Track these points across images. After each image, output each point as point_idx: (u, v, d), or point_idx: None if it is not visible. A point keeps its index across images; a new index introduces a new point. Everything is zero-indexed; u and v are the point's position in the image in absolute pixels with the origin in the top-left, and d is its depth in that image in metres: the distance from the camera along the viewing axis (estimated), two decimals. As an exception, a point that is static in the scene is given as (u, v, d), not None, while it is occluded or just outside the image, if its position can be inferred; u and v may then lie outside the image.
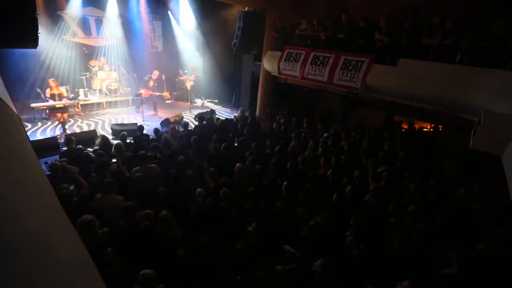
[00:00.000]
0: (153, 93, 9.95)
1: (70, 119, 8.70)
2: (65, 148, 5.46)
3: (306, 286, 2.59)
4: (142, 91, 9.49)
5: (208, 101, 12.27)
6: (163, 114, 9.70)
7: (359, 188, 4.23)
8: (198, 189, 3.70)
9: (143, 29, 11.61)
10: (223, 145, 5.39)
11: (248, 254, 2.84)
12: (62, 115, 7.69)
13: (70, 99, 8.92)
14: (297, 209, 3.65)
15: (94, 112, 9.88)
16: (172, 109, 10.87)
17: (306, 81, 7.86)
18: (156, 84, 10.23)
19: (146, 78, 9.99)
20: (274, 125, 7.66)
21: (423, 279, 2.52)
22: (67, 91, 8.83)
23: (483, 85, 4.64)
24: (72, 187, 3.71)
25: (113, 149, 5.28)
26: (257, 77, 9.68)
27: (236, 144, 6.04)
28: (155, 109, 10.16)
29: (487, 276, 2.56)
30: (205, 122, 7.12)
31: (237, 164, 4.54)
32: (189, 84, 11.16)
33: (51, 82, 8.08)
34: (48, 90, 8.01)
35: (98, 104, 10.30)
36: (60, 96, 8.11)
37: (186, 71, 12.05)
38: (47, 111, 8.10)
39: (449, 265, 2.65)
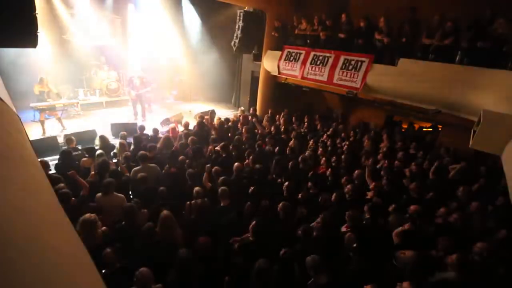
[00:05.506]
0: (142, 90, 9.20)
1: (68, 118, 8.69)
2: (65, 148, 5.46)
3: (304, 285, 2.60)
4: (133, 92, 9.10)
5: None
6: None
7: (359, 188, 4.23)
8: (196, 188, 3.69)
9: (143, 28, 11.60)
10: (221, 144, 5.39)
11: (246, 253, 2.84)
12: (53, 113, 7.69)
13: (70, 98, 8.92)
14: (297, 209, 3.65)
15: (94, 111, 9.87)
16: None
17: (306, 81, 7.86)
18: (145, 80, 9.40)
19: (129, 78, 9.53)
20: (273, 126, 7.65)
21: (423, 280, 2.51)
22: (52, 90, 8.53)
23: (483, 85, 4.64)
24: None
25: (116, 148, 5.29)
26: (257, 76, 9.67)
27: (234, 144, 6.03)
28: (143, 114, 9.34)
29: (485, 280, 2.55)
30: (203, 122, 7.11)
31: (236, 164, 4.54)
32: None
33: (44, 79, 7.86)
34: (37, 86, 7.74)
35: (98, 103, 10.29)
36: (49, 94, 7.97)
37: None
38: (47, 111, 8.08)
39: (445, 268, 2.65)
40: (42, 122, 7.62)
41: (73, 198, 3.45)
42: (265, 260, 2.50)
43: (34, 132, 7.47)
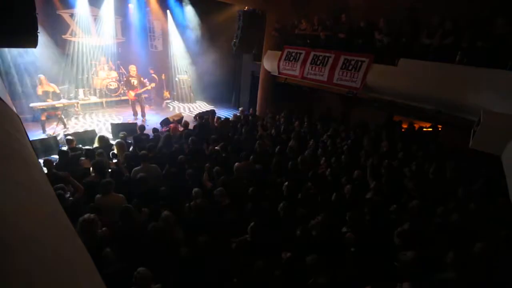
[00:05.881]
0: (140, 90, 9.19)
1: (67, 118, 8.69)
2: (64, 148, 5.46)
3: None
4: (132, 93, 9.10)
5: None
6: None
7: (358, 188, 4.23)
8: (195, 189, 3.69)
9: (142, 28, 11.60)
10: (220, 144, 5.38)
11: (245, 253, 2.84)
12: (57, 113, 7.68)
13: (70, 98, 8.91)
14: (297, 209, 3.65)
15: (94, 111, 9.87)
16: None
17: (306, 81, 7.86)
18: (144, 79, 9.39)
19: (125, 78, 9.48)
20: (274, 126, 7.66)
21: (423, 281, 2.51)
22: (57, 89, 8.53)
23: (483, 85, 4.64)
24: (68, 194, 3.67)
25: (114, 148, 5.29)
26: (257, 76, 9.67)
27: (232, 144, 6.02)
28: (142, 113, 9.32)
29: (485, 280, 2.55)
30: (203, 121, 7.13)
31: (236, 164, 4.53)
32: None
33: (42, 78, 7.78)
34: (39, 87, 7.74)
35: (98, 103, 10.29)
36: (54, 94, 7.98)
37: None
38: (48, 111, 8.08)
39: (445, 268, 2.65)
40: (43, 122, 7.61)
41: (70, 198, 3.46)
42: (264, 262, 2.50)
43: (34, 132, 7.47)
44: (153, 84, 10.14)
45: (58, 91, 8.13)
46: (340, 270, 2.74)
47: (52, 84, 8.07)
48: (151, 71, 11.03)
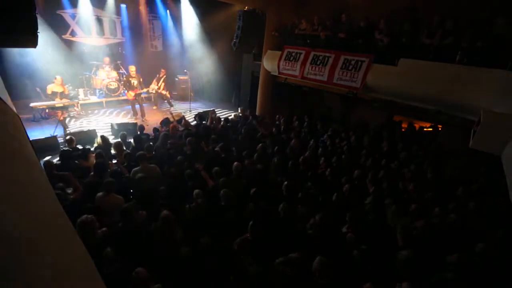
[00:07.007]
0: (140, 90, 9.19)
1: (69, 118, 8.69)
2: (65, 148, 5.47)
3: (305, 286, 2.59)
4: (131, 93, 9.05)
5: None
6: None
7: (358, 188, 4.23)
8: (196, 191, 3.69)
9: (142, 28, 11.61)
10: (220, 145, 5.38)
11: (245, 252, 2.84)
12: (62, 113, 7.69)
13: (70, 98, 8.92)
14: (297, 208, 3.65)
15: (94, 111, 9.88)
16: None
17: (306, 81, 7.86)
18: (142, 79, 9.37)
19: (125, 78, 9.40)
20: (274, 126, 7.66)
21: (422, 281, 2.51)
22: (67, 90, 8.75)
23: (483, 85, 4.64)
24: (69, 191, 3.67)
25: (112, 148, 5.28)
26: (257, 76, 9.67)
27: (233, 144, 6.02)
28: (142, 113, 9.26)
29: (485, 280, 2.55)
30: (204, 122, 7.13)
31: (235, 163, 4.53)
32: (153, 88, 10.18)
33: (59, 78, 8.05)
34: (51, 86, 7.90)
35: (98, 103, 10.29)
36: (62, 94, 8.05)
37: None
38: (47, 110, 8.09)
39: (445, 268, 2.65)
40: (62, 121, 7.58)
41: (71, 197, 3.46)
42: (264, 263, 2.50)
43: (34, 132, 7.48)
44: (152, 85, 10.12)
45: (67, 92, 8.27)
46: (340, 270, 2.74)
47: (65, 86, 8.25)
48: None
